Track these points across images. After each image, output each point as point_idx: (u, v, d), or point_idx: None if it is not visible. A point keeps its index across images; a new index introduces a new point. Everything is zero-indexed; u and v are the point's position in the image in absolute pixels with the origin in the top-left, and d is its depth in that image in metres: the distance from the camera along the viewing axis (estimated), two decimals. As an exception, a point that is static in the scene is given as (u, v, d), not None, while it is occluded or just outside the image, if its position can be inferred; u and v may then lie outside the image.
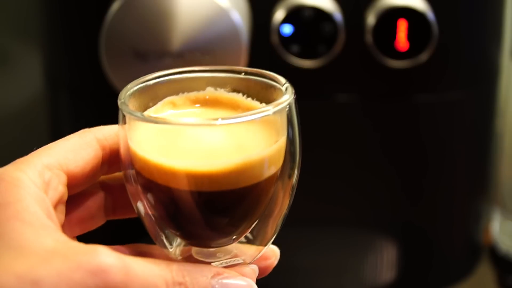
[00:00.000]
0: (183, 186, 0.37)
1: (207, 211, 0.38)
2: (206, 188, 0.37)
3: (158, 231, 0.40)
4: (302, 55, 0.68)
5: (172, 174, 0.36)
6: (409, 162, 0.77)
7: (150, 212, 0.40)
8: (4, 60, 0.96)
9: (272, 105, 0.37)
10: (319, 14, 0.68)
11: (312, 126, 0.73)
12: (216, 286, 0.37)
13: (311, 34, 0.68)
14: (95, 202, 0.41)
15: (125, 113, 0.38)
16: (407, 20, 0.68)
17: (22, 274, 0.31)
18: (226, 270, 0.38)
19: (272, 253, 0.42)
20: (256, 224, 0.41)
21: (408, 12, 0.67)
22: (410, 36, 0.68)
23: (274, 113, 0.37)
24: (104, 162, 0.40)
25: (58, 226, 0.36)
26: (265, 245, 0.41)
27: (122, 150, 0.39)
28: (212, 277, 0.37)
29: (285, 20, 0.68)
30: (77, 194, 0.40)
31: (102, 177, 0.42)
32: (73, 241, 0.35)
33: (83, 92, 0.75)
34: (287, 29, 0.68)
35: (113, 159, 0.40)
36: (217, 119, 0.35)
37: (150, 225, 0.40)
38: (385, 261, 0.80)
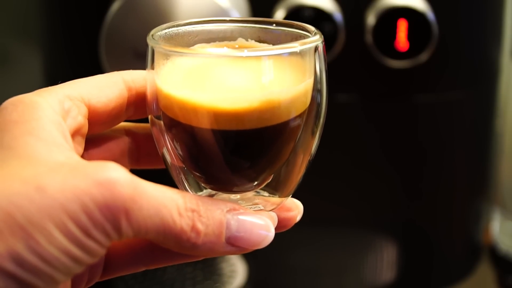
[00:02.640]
0: (205, 123, 0.36)
1: (228, 152, 0.37)
2: (228, 125, 0.36)
3: (183, 180, 0.40)
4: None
5: (193, 110, 0.36)
6: (409, 162, 0.77)
7: (174, 157, 0.39)
8: (4, 60, 0.96)
9: (299, 42, 0.37)
10: (319, 14, 0.68)
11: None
12: (231, 221, 0.36)
13: (311, 34, 0.68)
14: (118, 145, 0.41)
15: (151, 45, 0.38)
16: (407, 20, 0.68)
17: (27, 180, 0.31)
18: (243, 207, 0.37)
19: (294, 205, 0.41)
20: (279, 176, 0.40)
21: (408, 12, 0.67)
22: (410, 36, 0.68)
23: (302, 52, 0.37)
24: (130, 104, 0.40)
25: (72, 147, 0.36)
26: (287, 195, 0.41)
27: (149, 94, 0.39)
28: (228, 211, 0.36)
29: (285, 20, 0.68)
30: (100, 135, 0.40)
31: (128, 125, 0.42)
32: (88, 161, 0.34)
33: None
34: (287, 29, 0.68)
35: (139, 103, 0.40)
36: (243, 50, 0.36)
37: (174, 173, 0.40)
38: (385, 261, 0.80)
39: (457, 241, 0.83)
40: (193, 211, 0.34)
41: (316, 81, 0.39)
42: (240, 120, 0.36)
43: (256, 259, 0.77)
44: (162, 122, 0.38)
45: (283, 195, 0.40)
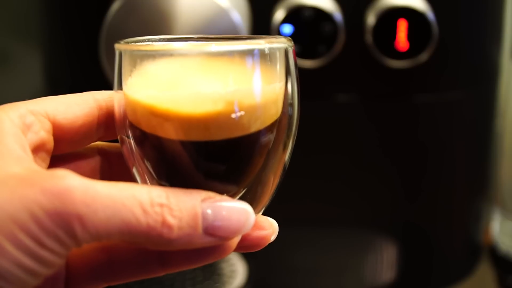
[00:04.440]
0: (169, 132, 0.35)
1: (196, 161, 0.36)
2: (194, 133, 0.35)
3: None
4: (302, 55, 0.68)
5: (155, 116, 0.35)
6: (409, 162, 0.77)
7: (143, 175, 0.38)
8: (4, 60, 0.96)
9: (265, 40, 0.36)
10: (319, 14, 0.68)
11: (312, 126, 0.73)
12: (208, 210, 0.34)
13: (311, 34, 0.68)
14: (89, 164, 0.40)
15: (119, 47, 0.37)
16: (407, 20, 0.68)
17: None
18: (218, 194, 0.35)
19: (268, 224, 0.39)
20: (250, 191, 0.39)
21: (408, 12, 0.67)
22: (410, 36, 0.68)
23: (270, 52, 0.36)
24: (101, 123, 0.39)
25: (31, 157, 0.35)
26: (259, 211, 0.39)
27: (117, 112, 0.38)
28: (203, 200, 0.34)
29: (285, 20, 0.68)
30: (70, 154, 0.40)
31: (101, 144, 0.41)
32: (44, 170, 0.34)
33: (83, 92, 0.75)
34: (287, 29, 0.68)
35: (110, 122, 0.39)
36: (210, 45, 0.34)
37: None
38: (385, 261, 0.80)
39: (457, 241, 0.83)
40: (161, 205, 0.33)
41: (287, 90, 0.38)
42: (202, 127, 0.35)
43: (256, 259, 0.77)
44: (131, 141, 0.38)
45: (255, 211, 0.38)
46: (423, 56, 0.69)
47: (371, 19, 0.68)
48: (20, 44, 0.95)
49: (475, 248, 0.84)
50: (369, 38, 0.69)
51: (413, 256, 0.80)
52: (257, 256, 0.76)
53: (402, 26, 0.68)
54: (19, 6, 0.95)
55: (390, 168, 0.77)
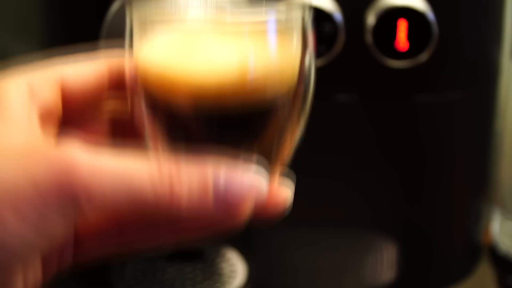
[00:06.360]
0: (180, 100, 0.34)
1: (208, 131, 0.36)
2: (203, 102, 0.34)
3: None
4: (302, 55, 0.68)
5: (166, 83, 0.34)
6: (409, 162, 0.77)
7: (155, 138, 0.38)
8: (4, 60, 0.96)
9: (283, 6, 0.35)
10: (319, 14, 0.68)
11: (311, 126, 0.73)
12: (219, 177, 0.33)
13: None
14: (101, 128, 0.40)
15: (130, 13, 0.36)
16: (407, 20, 0.68)
17: None
18: (229, 161, 0.34)
19: (282, 191, 0.37)
20: (264, 158, 0.38)
21: (408, 12, 0.67)
22: (410, 36, 0.68)
23: (287, 20, 0.35)
24: (112, 87, 0.38)
25: (37, 126, 0.34)
26: (272, 179, 0.38)
27: (128, 76, 0.37)
28: (214, 168, 0.33)
29: (285, 20, 0.68)
30: (81, 118, 0.39)
31: (113, 107, 0.40)
32: (50, 141, 0.33)
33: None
34: (287, 29, 0.68)
35: (121, 86, 0.38)
36: (225, 16, 0.34)
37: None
38: (385, 261, 0.80)
39: (457, 241, 0.83)
40: (170, 176, 0.32)
41: (304, 58, 0.38)
42: (218, 94, 0.34)
43: (256, 259, 0.77)
44: (142, 105, 0.37)
45: (268, 178, 0.37)
46: (423, 56, 0.69)
47: (371, 19, 0.68)
48: (20, 44, 0.95)
49: (475, 248, 0.84)
50: (369, 38, 0.69)
51: (413, 256, 0.80)
52: (257, 256, 0.76)
53: (402, 26, 0.68)
54: (19, 6, 0.95)
55: (390, 168, 0.77)
